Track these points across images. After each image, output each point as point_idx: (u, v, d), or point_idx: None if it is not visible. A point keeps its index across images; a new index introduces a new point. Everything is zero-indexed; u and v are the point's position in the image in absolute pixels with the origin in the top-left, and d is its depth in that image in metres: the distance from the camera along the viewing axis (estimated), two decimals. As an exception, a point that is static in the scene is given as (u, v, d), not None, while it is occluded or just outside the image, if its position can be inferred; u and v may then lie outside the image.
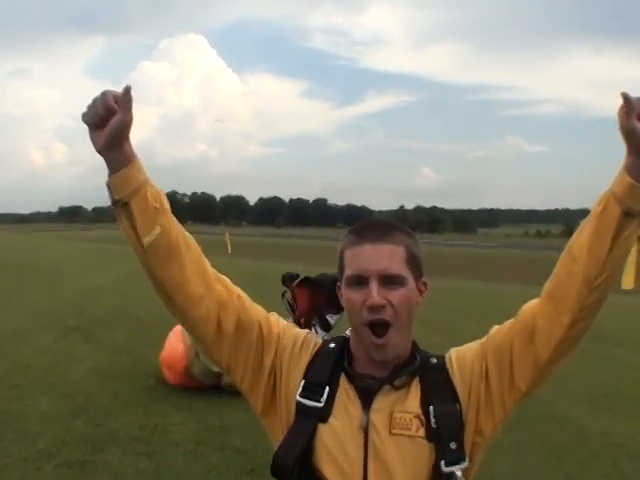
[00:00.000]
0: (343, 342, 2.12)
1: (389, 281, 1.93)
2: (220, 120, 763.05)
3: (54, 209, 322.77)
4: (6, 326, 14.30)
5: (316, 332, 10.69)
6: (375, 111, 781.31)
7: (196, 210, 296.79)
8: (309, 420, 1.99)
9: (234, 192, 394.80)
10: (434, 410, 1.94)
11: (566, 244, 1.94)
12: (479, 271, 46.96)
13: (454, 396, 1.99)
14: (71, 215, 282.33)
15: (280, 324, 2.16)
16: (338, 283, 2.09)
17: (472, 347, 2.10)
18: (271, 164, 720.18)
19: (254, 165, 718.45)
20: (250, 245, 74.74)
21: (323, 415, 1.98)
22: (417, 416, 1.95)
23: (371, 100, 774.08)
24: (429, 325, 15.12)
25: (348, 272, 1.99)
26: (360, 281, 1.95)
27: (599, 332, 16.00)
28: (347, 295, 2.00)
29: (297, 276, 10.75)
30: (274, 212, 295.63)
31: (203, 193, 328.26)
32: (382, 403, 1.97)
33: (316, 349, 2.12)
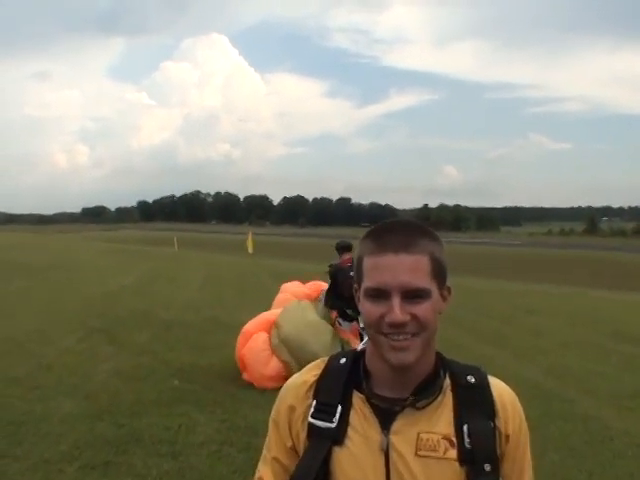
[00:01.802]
0: (355, 357, 1.97)
1: (413, 295, 1.77)
2: (244, 120, 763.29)
3: (77, 210, 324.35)
4: (29, 327, 14.45)
5: (339, 324, 10.86)
6: (398, 110, 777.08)
7: (220, 210, 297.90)
8: (322, 442, 1.86)
9: (258, 192, 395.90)
10: (468, 430, 1.83)
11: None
12: (502, 270, 46.75)
13: (491, 415, 1.87)
14: (94, 215, 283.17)
15: (281, 425, 1.97)
16: (355, 286, 1.92)
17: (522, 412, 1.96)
18: (294, 164, 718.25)
19: (277, 165, 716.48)
20: (274, 245, 74.91)
21: (337, 437, 1.86)
22: (446, 437, 1.83)
23: (393, 99, 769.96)
24: (454, 324, 15.09)
25: (367, 284, 1.82)
26: (380, 294, 1.78)
27: (624, 333, 16.06)
28: (365, 307, 1.83)
29: (349, 247, 10.99)
30: (298, 212, 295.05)
31: (227, 193, 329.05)
32: (404, 423, 1.85)
33: (321, 369, 1.98)
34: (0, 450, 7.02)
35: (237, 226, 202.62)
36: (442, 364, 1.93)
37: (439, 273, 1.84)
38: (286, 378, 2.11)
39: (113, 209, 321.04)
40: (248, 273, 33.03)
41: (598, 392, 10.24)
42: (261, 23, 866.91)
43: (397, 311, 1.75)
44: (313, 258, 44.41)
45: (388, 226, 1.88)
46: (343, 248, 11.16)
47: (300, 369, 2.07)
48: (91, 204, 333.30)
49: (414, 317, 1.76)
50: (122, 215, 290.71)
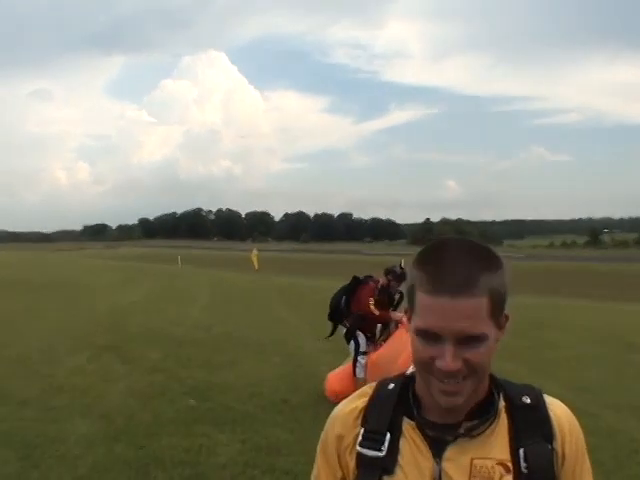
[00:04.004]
0: (404, 383, 1.87)
1: (468, 340, 1.65)
2: (244, 136, 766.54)
3: (78, 227, 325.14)
4: (37, 346, 14.34)
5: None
6: (397, 124, 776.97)
7: (221, 227, 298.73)
8: (372, 472, 1.77)
9: (259, 208, 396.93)
10: (525, 454, 1.72)
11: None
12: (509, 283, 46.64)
13: (549, 437, 1.76)
14: (95, 233, 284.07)
15: (330, 455, 1.90)
16: (406, 308, 1.78)
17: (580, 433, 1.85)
18: (295, 179, 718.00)
19: (278, 181, 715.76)
20: (277, 261, 74.97)
21: (387, 466, 1.76)
22: (501, 462, 1.72)
23: (393, 113, 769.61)
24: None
25: (419, 323, 1.68)
26: (431, 337, 1.66)
27: (636, 343, 15.88)
28: (415, 344, 1.71)
29: (386, 272, 10.76)
30: (299, 227, 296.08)
31: (228, 209, 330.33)
32: (457, 450, 1.75)
33: (368, 396, 1.89)
34: (15, 473, 6.82)
35: (239, 243, 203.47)
36: (495, 386, 1.84)
37: (500, 307, 1.70)
38: None
39: (114, 227, 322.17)
40: (254, 289, 32.97)
41: (618, 405, 10.17)
42: (260, 40, 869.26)
43: (449, 360, 1.64)
44: (316, 274, 44.37)
45: (446, 258, 1.68)
46: (386, 272, 10.89)
47: None
48: (92, 222, 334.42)
49: (466, 361, 1.65)
50: (123, 233, 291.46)
